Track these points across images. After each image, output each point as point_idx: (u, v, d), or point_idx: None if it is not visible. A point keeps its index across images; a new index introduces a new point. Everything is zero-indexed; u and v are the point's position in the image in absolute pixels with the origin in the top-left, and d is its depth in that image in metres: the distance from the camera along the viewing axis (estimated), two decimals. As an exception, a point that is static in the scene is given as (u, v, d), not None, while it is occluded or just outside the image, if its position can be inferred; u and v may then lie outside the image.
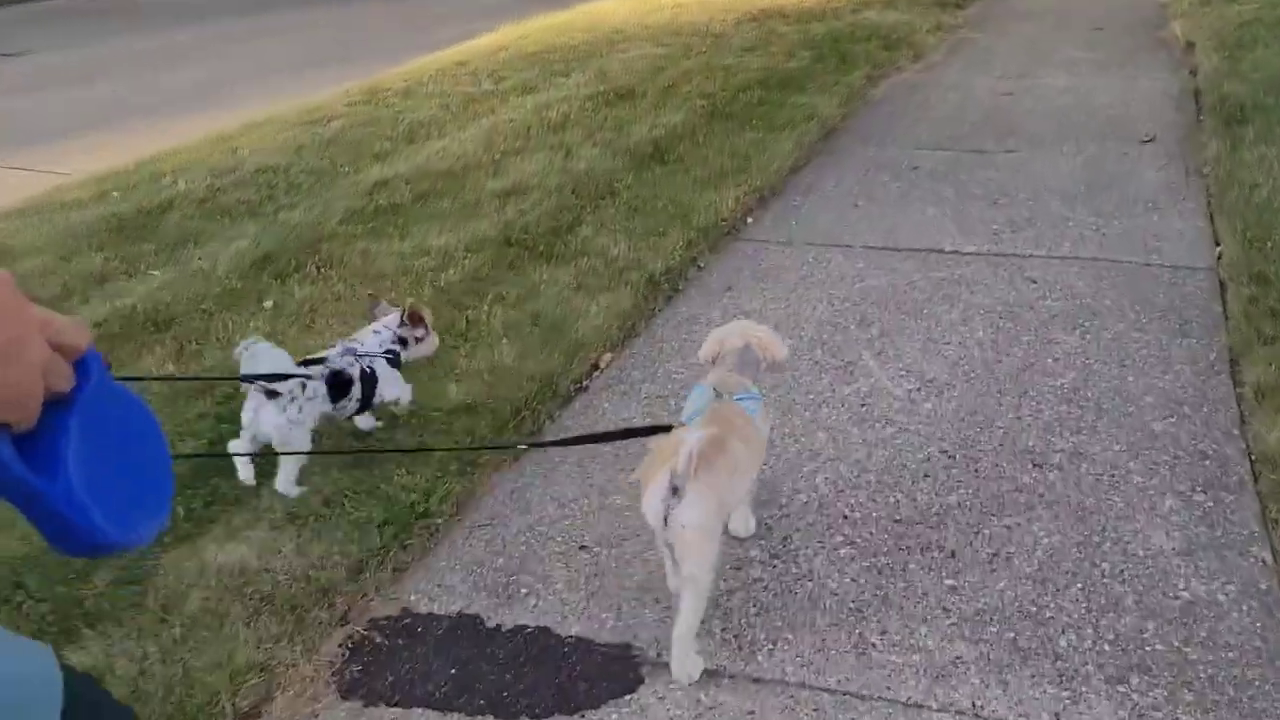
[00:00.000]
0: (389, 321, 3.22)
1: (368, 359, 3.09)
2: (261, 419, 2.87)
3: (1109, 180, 5.75)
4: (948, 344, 4.04)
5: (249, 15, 15.40)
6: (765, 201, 5.74)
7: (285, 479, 2.97)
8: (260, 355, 2.81)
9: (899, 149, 6.58)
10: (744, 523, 2.86)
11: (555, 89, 8.20)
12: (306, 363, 2.97)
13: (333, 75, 9.96)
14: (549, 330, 4.16)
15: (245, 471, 2.97)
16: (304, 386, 2.89)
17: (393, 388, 3.19)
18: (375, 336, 3.18)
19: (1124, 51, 8.72)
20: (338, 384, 2.98)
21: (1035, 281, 4.56)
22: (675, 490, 2.21)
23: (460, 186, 5.92)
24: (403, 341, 3.22)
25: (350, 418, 3.19)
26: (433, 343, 3.35)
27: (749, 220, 5.49)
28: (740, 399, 2.58)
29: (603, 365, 4.06)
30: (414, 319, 3.25)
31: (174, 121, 8.55)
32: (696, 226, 5.17)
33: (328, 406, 2.98)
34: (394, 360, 3.18)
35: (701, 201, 5.50)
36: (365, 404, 3.13)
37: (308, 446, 2.93)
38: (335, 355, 3.05)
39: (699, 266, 4.97)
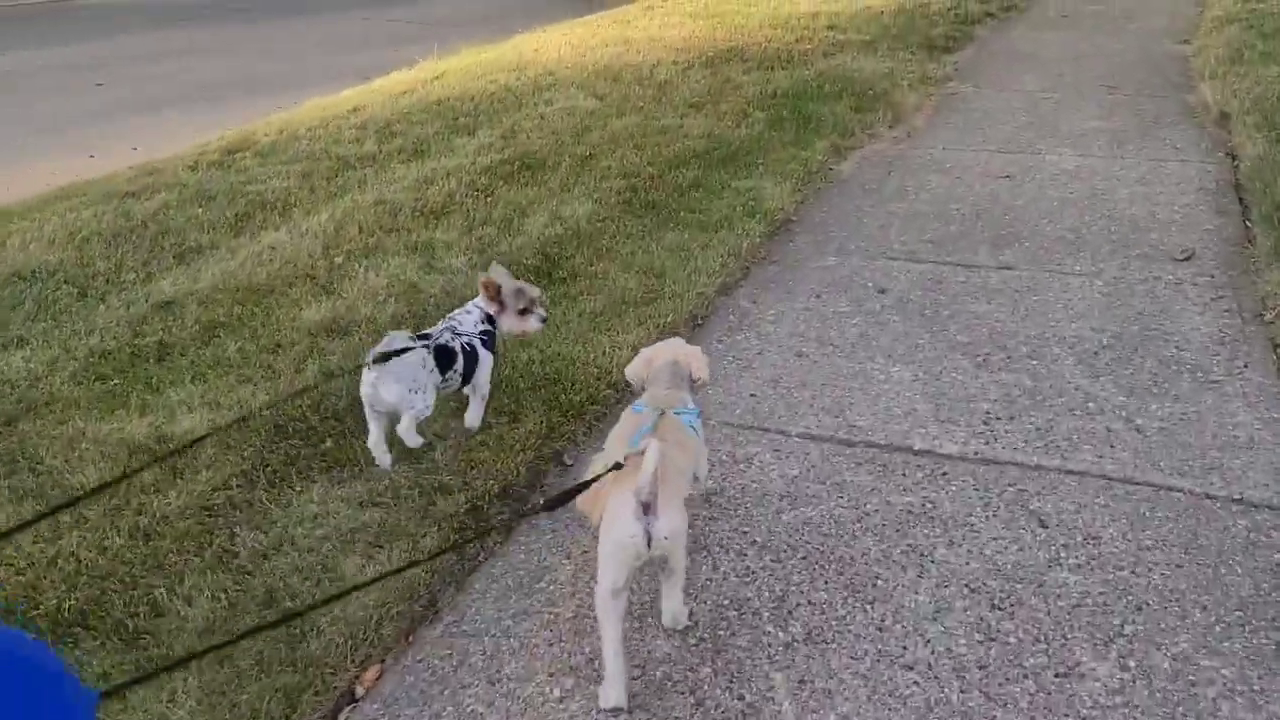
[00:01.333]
0: (478, 300, 3.48)
1: (466, 338, 3.34)
2: (380, 391, 3.13)
3: (1140, 326, 4.33)
4: (906, 683, 2.57)
5: (170, 27, 13.86)
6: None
7: (406, 429, 3.21)
8: (394, 340, 3.16)
9: (864, 258, 5.15)
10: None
11: (449, 154, 6.74)
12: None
13: (231, 108, 8.55)
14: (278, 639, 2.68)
15: (383, 458, 3.29)
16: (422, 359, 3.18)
17: (485, 374, 3.43)
18: (468, 316, 3.43)
19: (1145, 121, 7.33)
20: (442, 359, 3.25)
21: (1044, 525, 3.12)
22: (646, 508, 2.30)
23: (268, 315, 4.43)
24: (490, 320, 3.48)
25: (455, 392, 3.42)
26: (537, 322, 3.54)
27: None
28: (679, 413, 2.74)
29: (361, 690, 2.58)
30: (489, 291, 3.50)
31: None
32: (569, 405, 3.70)
33: (438, 376, 3.23)
34: (488, 341, 3.42)
35: (586, 355, 4.03)
36: (465, 381, 3.36)
37: (430, 408, 3.25)
38: (437, 333, 3.31)
39: (564, 464, 3.51)
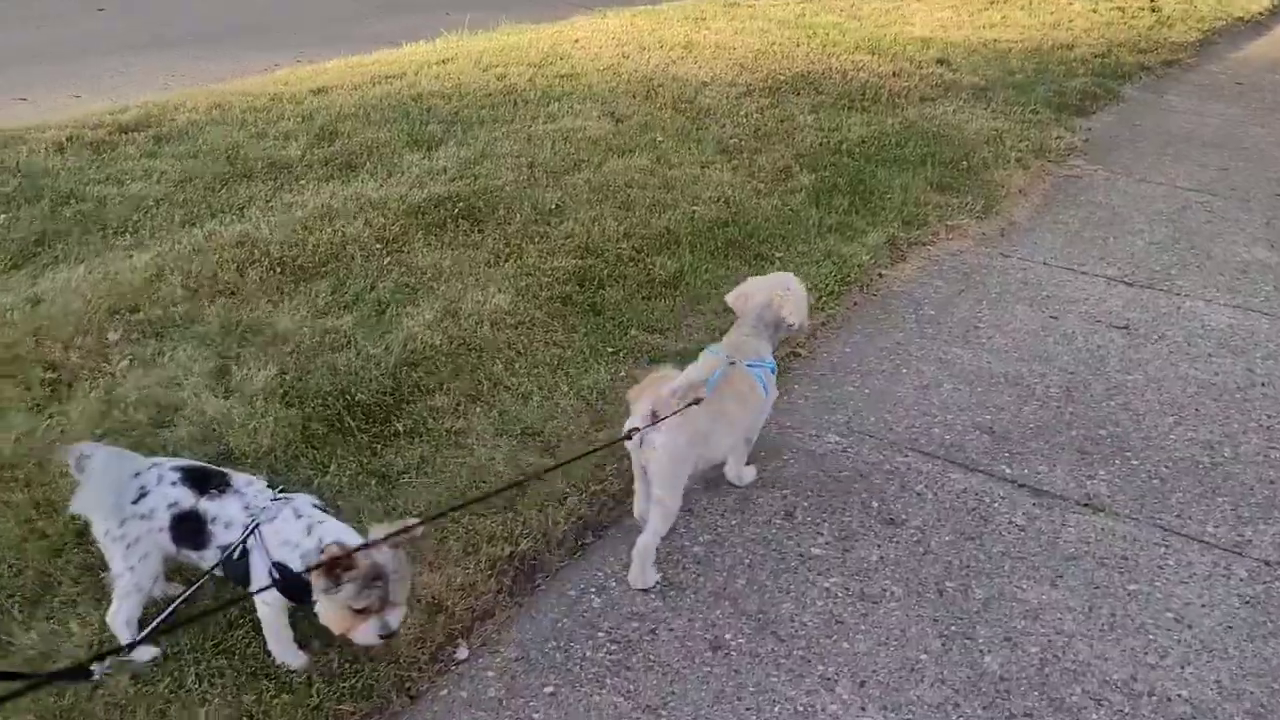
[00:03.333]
0: (314, 545, 2.21)
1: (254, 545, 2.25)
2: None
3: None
4: None
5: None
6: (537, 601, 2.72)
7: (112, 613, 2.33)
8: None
9: (879, 449, 3.47)
10: (737, 473, 3.16)
11: (386, 177, 5.23)
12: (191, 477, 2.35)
13: (222, 59, 7.21)
14: None
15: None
16: None
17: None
18: (294, 524, 2.25)
19: (1335, 262, 5.40)
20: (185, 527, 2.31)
21: None
22: (654, 416, 2.58)
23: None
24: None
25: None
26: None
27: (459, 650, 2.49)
28: (750, 365, 2.91)
29: None
30: (331, 570, 2.10)
31: None
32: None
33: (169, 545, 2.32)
34: (288, 585, 2.22)
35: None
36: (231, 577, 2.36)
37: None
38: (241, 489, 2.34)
39: None
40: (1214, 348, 4.37)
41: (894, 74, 8.26)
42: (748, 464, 3.21)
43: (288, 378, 3.38)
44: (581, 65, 7.78)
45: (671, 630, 2.66)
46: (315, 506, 2.31)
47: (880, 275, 4.85)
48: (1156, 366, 4.18)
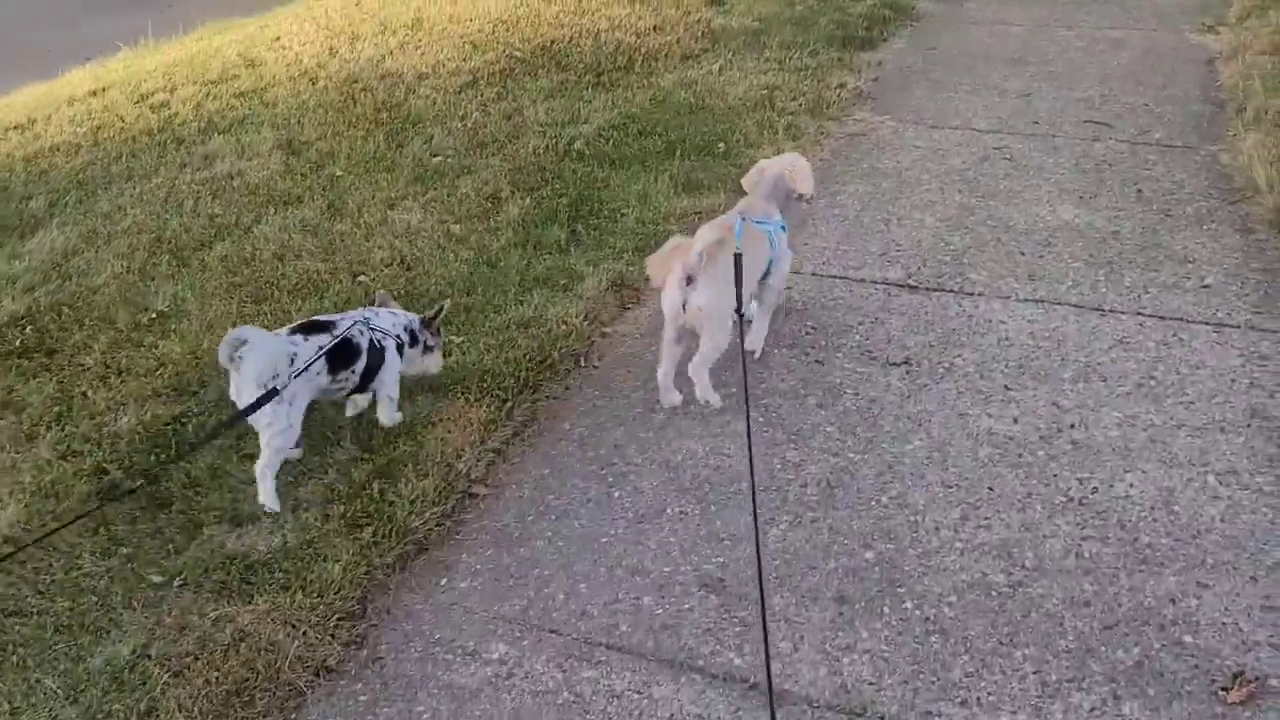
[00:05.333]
0: (408, 317, 3.20)
1: (380, 334, 3.04)
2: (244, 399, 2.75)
3: None
4: None
5: None
6: None
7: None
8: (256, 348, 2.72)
9: None
10: (754, 338, 3.52)
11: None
12: (305, 328, 2.90)
13: None
14: None
15: (269, 499, 2.83)
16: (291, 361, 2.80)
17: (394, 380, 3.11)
18: (392, 318, 3.12)
19: (1152, 215, 4.59)
20: (343, 354, 2.92)
21: None
22: (689, 280, 2.98)
23: None
24: (413, 340, 3.18)
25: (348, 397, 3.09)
26: (438, 361, 3.31)
27: None
28: (760, 222, 3.31)
29: None
30: (431, 327, 3.23)
31: None
32: None
33: (326, 379, 2.90)
34: (401, 349, 3.12)
35: None
36: (363, 386, 3.04)
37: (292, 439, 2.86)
38: (345, 323, 2.98)
39: None
40: (1013, 374, 3.49)
41: (654, 28, 7.18)
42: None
43: None
44: (271, 74, 6.47)
45: None
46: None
47: (603, 334, 3.81)
48: (940, 423, 3.27)
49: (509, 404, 3.34)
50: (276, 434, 2.76)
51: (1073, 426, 3.23)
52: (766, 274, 3.40)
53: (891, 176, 5.05)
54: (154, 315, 3.78)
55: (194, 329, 3.65)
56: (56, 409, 3.25)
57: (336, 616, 2.54)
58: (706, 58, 6.60)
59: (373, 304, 3.20)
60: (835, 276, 4.12)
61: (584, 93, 5.98)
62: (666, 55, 6.63)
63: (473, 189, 4.72)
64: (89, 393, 3.33)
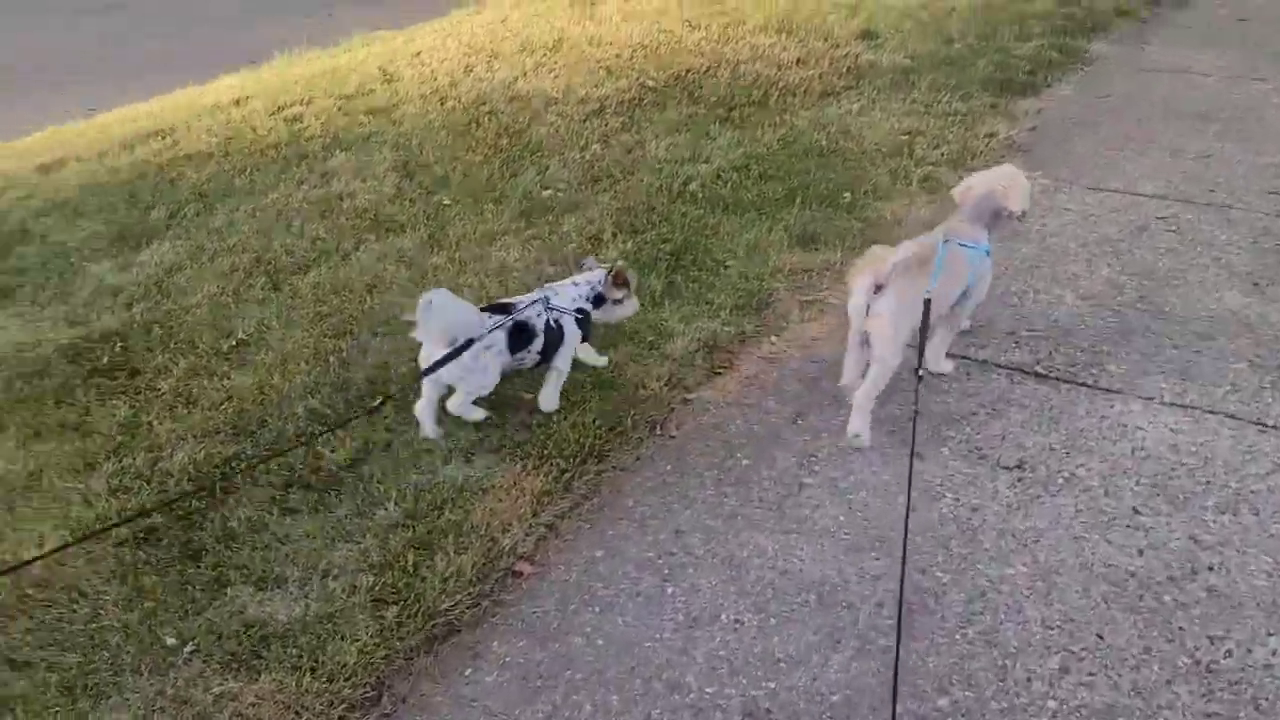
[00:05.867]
0: (591, 277, 3.39)
1: (558, 313, 3.24)
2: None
3: None
4: None
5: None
6: None
7: (457, 403, 3.14)
8: (445, 311, 2.94)
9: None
10: (936, 356, 3.52)
11: (33, 311, 4.02)
12: (496, 309, 3.15)
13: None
14: None
15: (430, 427, 3.17)
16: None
17: (569, 354, 3.31)
18: (573, 290, 3.33)
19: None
20: (520, 335, 3.13)
21: None
22: (878, 288, 3.04)
23: None
24: (599, 300, 3.38)
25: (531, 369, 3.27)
26: (632, 307, 3.50)
27: None
28: (963, 244, 3.28)
29: None
30: (618, 280, 3.39)
31: None
32: None
33: (506, 357, 3.12)
34: (583, 321, 3.33)
35: None
36: (545, 359, 3.25)
37: (489, 386, 3.14)
38: (524, 304, 3.18)
39: None
40: (1145, 494, 3.04)
41: (797, 60, 6.87)
42: (948, 356, 3.59)
43: None
44: (404, 91, 6.50)
45: None
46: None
47: (685, 400, 3.55)
48: (1050, 546, 2.86)
49: (569, 474, 3.12)
50: (469, 379, 3.06)
51: (1211, 569, 2.77)
52: (962, 297, 3.38)
53: (1034, 242, 4.60)
54: (234, 342, 3.75)
55: (267, 362, 3.60)
56: (120, 438, 3.23)
57: (344, 706, 2.37)
58: (848, 96, 6.25)
59: (581, 269, 3.46)
60: (952, 355, 3.73)
61: (711, 128, 5.74)
62: (805, 91, 6.31)
63: (575, 228, 4.54)
64: (154, 423, 3.30)
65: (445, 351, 2.95)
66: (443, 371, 3.00)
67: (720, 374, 3.71)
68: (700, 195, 4.84)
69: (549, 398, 3.33)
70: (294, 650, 2.48)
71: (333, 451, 3.15)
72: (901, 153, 5.42)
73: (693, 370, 3.66)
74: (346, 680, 2.41)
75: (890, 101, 6.16)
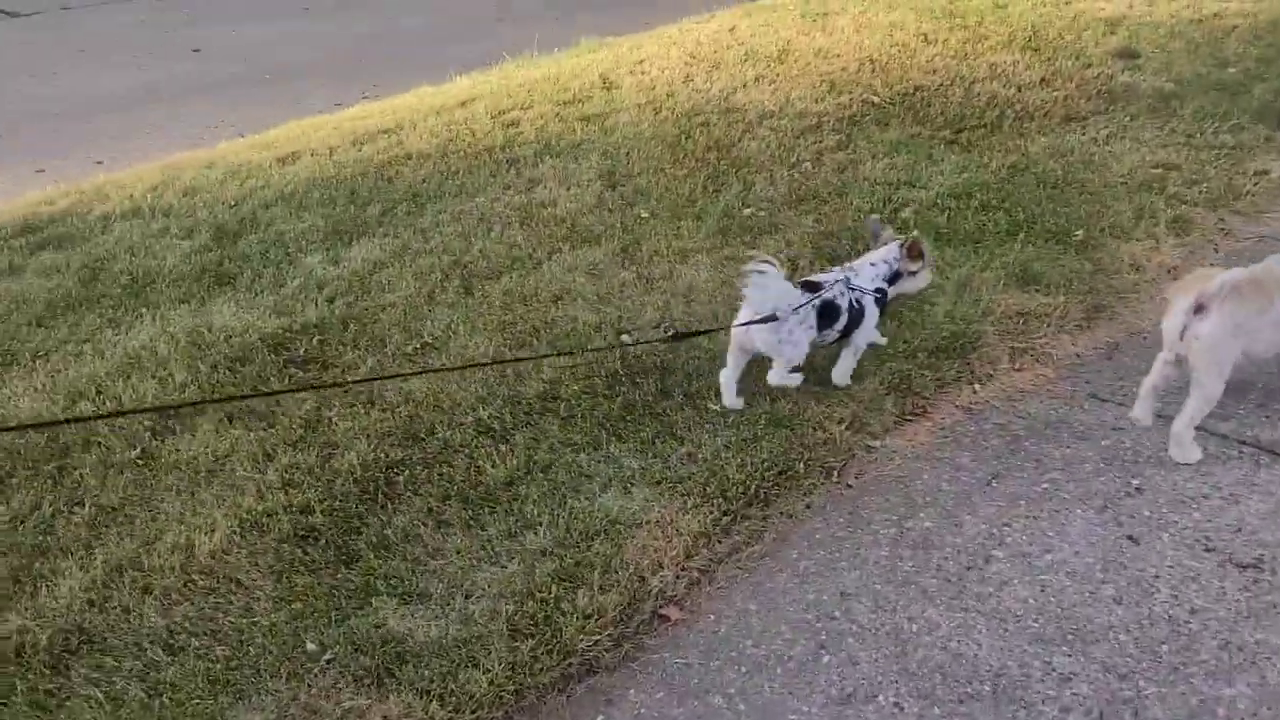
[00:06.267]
0: (886, 254, 3.44)
1: (859, 293, 3.35)
2: (754, 336, 3.23)
3: None
4: None
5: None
6: None
7: (777, 376, 3.32)
8: (768, 285, 3.15)
9: None
10: None
11: (247, 298, 4.27)
12: (805, 285, 3.33)
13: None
14: None
15: (731, 398, 3.36)
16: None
17: (868, 333, 3.44)
18: (871, 270, 3.41)
19: None
20: (826, 313, 3.30)
21: None
22: (1200, 309, 2.86)
23: None
24: (895, 276, 3.44)
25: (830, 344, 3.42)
26: (926, 278, 3.53)
27: None
28: None
29: None
30: (913, 252, 3.42)
31: None
32: None
33: (814, 333, 3.29)
34: (881, 300, 3.41)
35: None
36: (845, 335, 3.39)
37: (802, 357, 3.31)
38: (829, 283, 3.33)
39: None
40: None
41: (1041, 80, 6.36)
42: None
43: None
44: (621, 100, 6.50)
45: None
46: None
47: (868, 448, 3.29)
48: (1289, 671, 2.42)
49: (730, 516, 2.94)
50: (783, 349, 3.23)
51: None
52: None
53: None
54: (420, 344, 3.81)
55: (449, 362, 3.63)
56: (301, 431, 3.33)
57: (465, 738, 2.31)
58: (1095, 121, 5.71)
59: (872, 234, 3.56)
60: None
61: (934, 150, 5.38)
62: (1045, 114, 5.82)
63: (772, 251, 4.34)
64: (335, 419, 3.39)
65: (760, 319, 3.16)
66: (759, 343, 3.20)
67: (910, 421, 3.42)
68: (912, 223, 4.52)
69: (843, 373, 3.45)
70: (426, 673, 2.44)
71: (494, 467, 3.11)
72: (1151, 188, 4.87)
73: (879, 415, 3.39)
74: (473, 713, 2.35)
75: (1144, 130, 5.57)
